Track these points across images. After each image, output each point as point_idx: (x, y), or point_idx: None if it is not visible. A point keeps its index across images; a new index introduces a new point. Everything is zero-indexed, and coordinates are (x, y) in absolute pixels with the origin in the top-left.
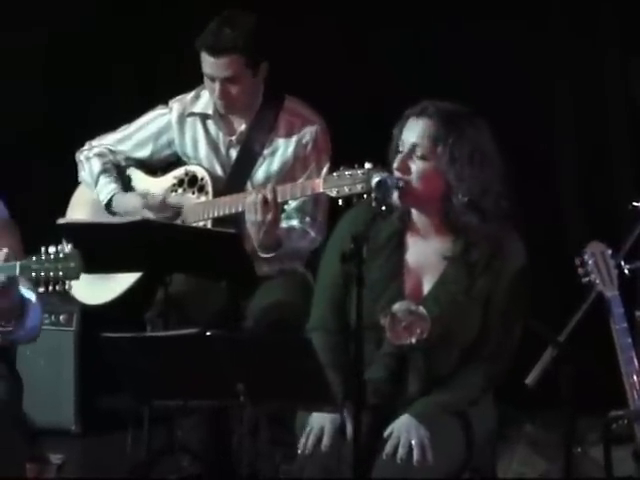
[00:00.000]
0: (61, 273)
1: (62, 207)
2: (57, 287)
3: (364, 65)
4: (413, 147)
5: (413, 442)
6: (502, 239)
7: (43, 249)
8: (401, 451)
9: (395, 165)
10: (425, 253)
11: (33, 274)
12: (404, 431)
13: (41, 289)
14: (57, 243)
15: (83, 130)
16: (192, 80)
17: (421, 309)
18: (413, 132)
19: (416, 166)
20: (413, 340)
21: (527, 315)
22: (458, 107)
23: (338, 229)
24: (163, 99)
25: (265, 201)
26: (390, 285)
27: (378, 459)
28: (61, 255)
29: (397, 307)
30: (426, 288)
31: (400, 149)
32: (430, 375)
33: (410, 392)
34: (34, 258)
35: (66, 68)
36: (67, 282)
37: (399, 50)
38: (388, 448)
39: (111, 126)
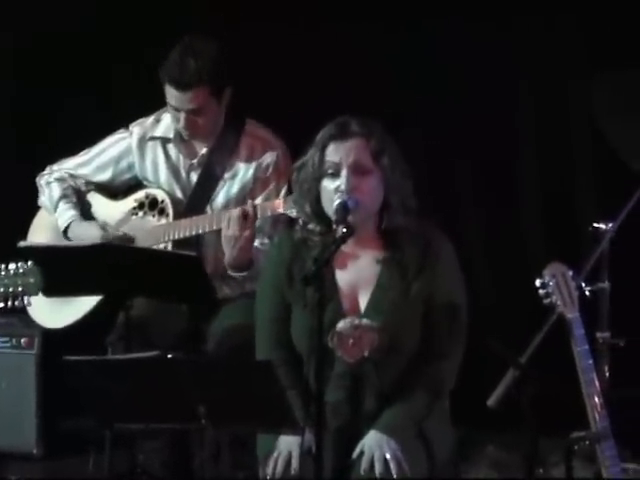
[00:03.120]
0: (21, 289)
1: (26, 224)
2: (16, 303)
3: (331, 82)
4: (354, 165)
5: (387, 456)
6: (429, 235)
7: (3, 266)
8: (378, 466)
9: (345, 187)
10: (356, 271)
11: None
12: (376, 447)
13: (0, 304)
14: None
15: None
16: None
17: (365, 321)
18: (347, 151)
19: (366, 183)
20: (366, 353)
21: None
22: (370, 119)
23: (267, 260)
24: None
25: (245, 216)
26: (327, 307)
27: (352, 476)
28: (21, 271)
29: (341, 325)
30: (363, 301)
31: (330, 171)
32: (384, 388)
33: (367, 409)
34: None
35: (39, 69)
36: (26, 297)
37: (373, 68)
38: (364, 465)
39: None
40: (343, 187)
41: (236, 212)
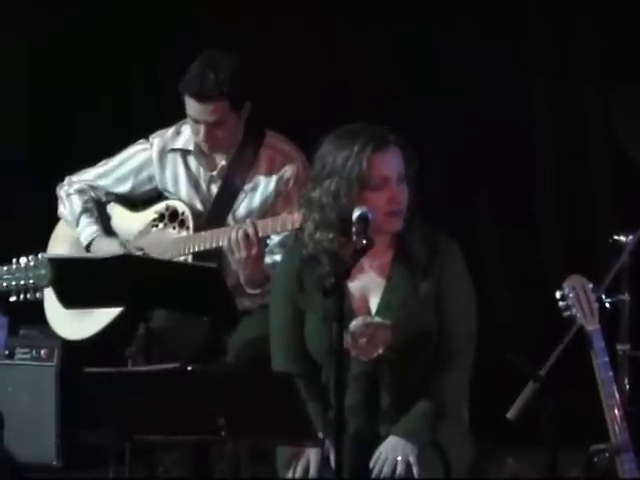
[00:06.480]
0: (32, 281)
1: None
2: (28, 295)
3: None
4: (399, 176)
5: (411, 459)
6: (436, 235)
7: (14, 260)
8: (386, 469)
9: (398, 199)
10: (367, 276)
11: (4, 284)
12: (390, 450)
13: (13, 298)
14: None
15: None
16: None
17: (377, 318)
18: (392, 162)
19: (405, 192)
20: (380, 351)
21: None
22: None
23: (277, 272)
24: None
25: (247, 236)
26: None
27: None
28: (32, 264)
29: (354, 324)
30: (374, 302)
31: (376, 183)
32: (399, 389)
33: (383, 409)
34: (5, 268)
35: (55, 71)
36: (38, 290)
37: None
38: (386, 468)
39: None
40: (397, 199)
41: (239, 233)
